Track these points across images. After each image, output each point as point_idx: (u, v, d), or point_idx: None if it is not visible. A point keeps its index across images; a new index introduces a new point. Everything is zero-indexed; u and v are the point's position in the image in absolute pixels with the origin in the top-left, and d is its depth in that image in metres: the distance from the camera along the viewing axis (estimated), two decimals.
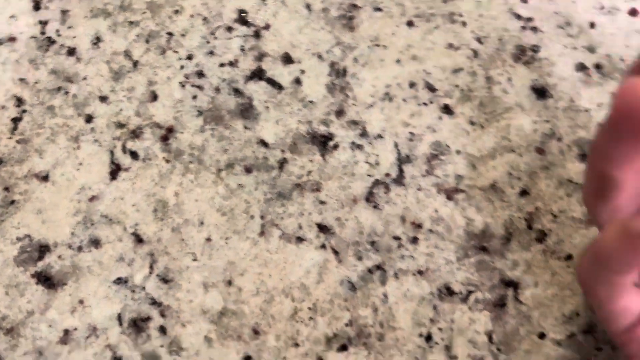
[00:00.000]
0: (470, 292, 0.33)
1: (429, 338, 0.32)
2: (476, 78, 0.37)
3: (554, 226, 0.33)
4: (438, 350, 0.32)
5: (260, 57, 0.38)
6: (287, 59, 0.38)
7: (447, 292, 0.33)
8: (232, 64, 0.38)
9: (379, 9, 0.39)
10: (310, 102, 0.37)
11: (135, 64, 0.38)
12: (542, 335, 0.33)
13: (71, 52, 0.38)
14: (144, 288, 0.33)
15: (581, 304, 0.33)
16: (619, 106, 0.19)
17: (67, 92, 0.37)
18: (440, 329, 0.32)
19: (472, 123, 0.36)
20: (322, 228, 0.34)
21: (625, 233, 0.20)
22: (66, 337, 0.32)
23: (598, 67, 0.37)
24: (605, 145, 0.21)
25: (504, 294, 0.33)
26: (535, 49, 0.38)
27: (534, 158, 0.35)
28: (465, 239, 0.34)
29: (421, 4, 0.39)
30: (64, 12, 0.39)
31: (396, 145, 0.36)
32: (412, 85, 0.37)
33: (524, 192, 0.34)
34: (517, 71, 0.37)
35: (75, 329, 0.32)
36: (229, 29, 0.39)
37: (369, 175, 0.35)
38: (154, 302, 0.32)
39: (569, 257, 0.33)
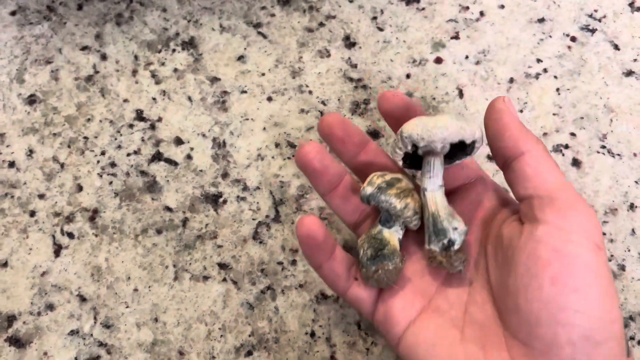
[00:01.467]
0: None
1: (313, 334, 0.40)
2: None
3: None
4: (321, 342, 0.40)
5: (158, 143, 0.45)
6: (179, 141, 0.45)
7: (322, 297, 0.41)
8: (136, 152, 0.45)
9: (245, 91, 0.46)
10: (201, 170, 0.44)
11: (62, 165, 0.44)
12: None
13: (11, 164, 0.44)
14: (91, 335, 0.40)
15: None
16: (299, 239, 0.34)
17: (12, 196, 0.43)
18: (320, 326, 0.40)
19: None
20: (222, 266, 0.42)
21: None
22: None
23: None
24: (306, 257, 0.35)
25: None
26: (366, 102, 0.46)
27: None
28: None
29: (276, 82, 0.46)
30: (1, 135, 0.45)
31: (271, 192, 0.44)
32: (277, 145, 0.45)
33: None
34: (354, 121, 0.45)
35: None
36: (131, 126, 0.45)
37: (253, 219, 0.43)
38: (101, 344, 0.40)
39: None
